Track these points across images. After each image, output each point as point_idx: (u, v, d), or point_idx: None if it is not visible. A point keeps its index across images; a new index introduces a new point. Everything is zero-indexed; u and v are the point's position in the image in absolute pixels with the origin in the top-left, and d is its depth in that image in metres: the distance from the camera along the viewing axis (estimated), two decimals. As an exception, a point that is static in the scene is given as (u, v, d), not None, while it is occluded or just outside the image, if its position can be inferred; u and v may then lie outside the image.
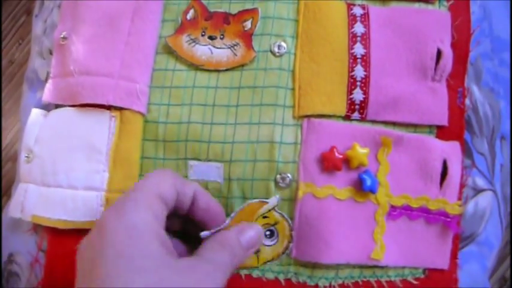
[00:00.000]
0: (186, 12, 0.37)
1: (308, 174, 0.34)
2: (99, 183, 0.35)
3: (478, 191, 0.37)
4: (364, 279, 0.35)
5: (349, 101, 0.35)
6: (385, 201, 0.34)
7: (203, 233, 0.29)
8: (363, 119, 0.35)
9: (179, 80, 0.36)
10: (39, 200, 0.35)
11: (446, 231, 0.35)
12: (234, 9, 0.37)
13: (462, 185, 0.36)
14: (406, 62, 0.36)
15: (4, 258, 0.39)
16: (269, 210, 0.33)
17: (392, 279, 0.35)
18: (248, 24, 0.36)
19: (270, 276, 0.35)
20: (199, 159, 0.35)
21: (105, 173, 0.35)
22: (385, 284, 0.35)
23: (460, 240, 0.36)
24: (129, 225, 0.25)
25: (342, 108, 0.35)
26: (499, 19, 0.39)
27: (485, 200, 0.37)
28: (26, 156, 0.37)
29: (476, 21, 0.38)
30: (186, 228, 0.32)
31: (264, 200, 0.32)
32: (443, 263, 0.35)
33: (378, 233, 0.34)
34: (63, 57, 0.38)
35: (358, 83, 0.35)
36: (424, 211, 0.35)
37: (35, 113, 0.38)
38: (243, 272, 0.35)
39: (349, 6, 0.37)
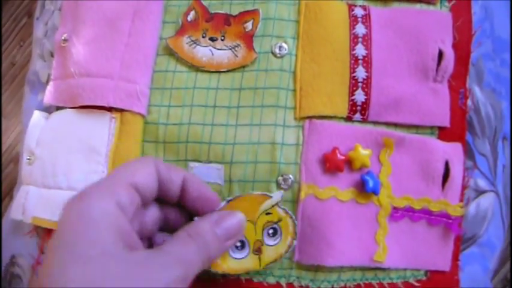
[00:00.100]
0: (186, 13, 0.37)
1: (310, 176, 0.34)
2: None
3: (480, 192, 0.37)
4: (366, 282, 0.35)
5: (350, 102, 0.35)
6: (387, 202, 0.34)
7: (195, 220, 0.28)
8: (364, 120, 0.35)
9: (180, 82, 0.36)
10: (40, 202, 0.35)
11: (448, 233, 0.35)
12: (235, 10, 0.37)
13: (464, 187, 0.36)
14: (408, 62, 0.36)
15: (6, 260, 0.39)
16: (272, 206, 0.32)
17: (394, 281, 0.35)
18: (249, 26, 0.36)
19: (272, 280, 0.34)
20: (199, 161, 0.35)
21: (104, 174, 0.35)
22: (387, 286, 0.35)
23: (461, 242, 0.36)
24: (83, 213, 0.24)
25: (343, 109, 0.35)
26: (500, 19, 0.39)
27: (487, 201, 0.37)
28: (28, 159, 0.37)
29: (478, 22, 0.38)
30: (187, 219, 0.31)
31: (267, 194, 0.32)
32: (444, 264, 0.35)
33: (380, 235, 0.34)
34: (64, 59, 0.38)
35: (360, 84, 0.35)
36: (426, 213, 0.34)
37: (37, 115, 0.38)
38: (244, 276, 0.34)
39: (350, 7, 0.37)
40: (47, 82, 0.40)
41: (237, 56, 0.36)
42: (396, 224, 0.34)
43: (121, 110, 0.36)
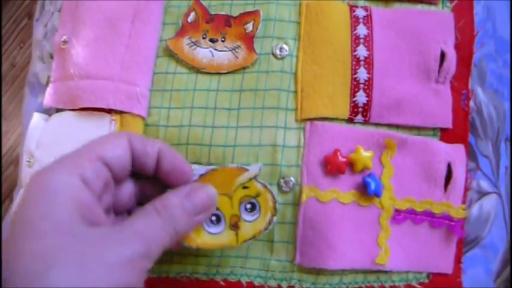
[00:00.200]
0: (187, 15, 0.37)
1: (311, 178, 0.34)
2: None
3: (482, 194, 0.37)
4: (368, 285, 0.34)
5: (352, 104, 0.35)
6: (390, 204, 0.34)
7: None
8: (366, 122, 0.35)
9: (180, 83, 0.36)
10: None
11: (451, 235, 0.34)
12: (235, 11, 0.37)
13: (466, 188, 0.35)
14: (410, 63, 0.35)
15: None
16: (250, 180, 0.30)
17: (397, 284, 0.34)
18: (250, 27, 0.36)
19: (273, 283, 0.34)
20: (200, 163, 0.34)
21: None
22: (389, 288, 0.34)
23: (464, 244, 0.36)
24: (42, 186, 0.23)
25: (344, 111, 0.35)
26: (502, 20, 0.39)
27: (489, 203, 0.37)
28: (28, 161, 0.37)
29: (480, 22, 0.38)
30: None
31: (244, 166, 0.30)
32: (447, 267, 0.35)
33: (383, 238, 0.34)
34: (63, 61, 0.38)
35: (362, 86, 0.35)
36: (428, 215, 0.34)
37: (36, 117, 0.38)
38: (245, 279, 0.34)
39: (352, 8, 0.37)
40: (47, 84, 0.40)
41: (237, 58, 0.36)
42: (398, 226, 0.34)
43: (121, 112, 0.36)
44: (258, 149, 0.34)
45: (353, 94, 0.35)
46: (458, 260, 0.35)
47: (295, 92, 0.35)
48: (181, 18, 0.37)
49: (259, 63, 0.36)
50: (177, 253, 0.34)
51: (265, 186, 0.30)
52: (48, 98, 0.38)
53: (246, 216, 0.30)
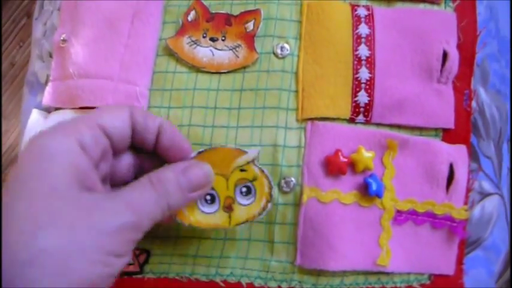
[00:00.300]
0: (187, 13, 0.37)
1: (312, 178, 0.33)
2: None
3: (484, 195, 0.36)
4: (369, 286, 0.34)
5: (353, 104, 0.35)
6: (391, 205, 0.34)
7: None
8: (367, 122, 0.35)
9: (180, 83, 0.36)
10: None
11: (452, 236, 0.34)
12: (236, 10, 0.36)
13: (468, 189, 0.35)
14: (412, 63, 0.35)
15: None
16: (248, 163, 0.30)
17: (398, 285, 0.34)
18: (250, 26, 0.36)
19: (273, 284, 0.34)
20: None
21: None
22: (390, 290, 0.34)
23: (466, 245, 0.35)
24: (40, 148, 0.23)
25: (346, 111, 0.35)
26: (505, 20, 0.39)
27: (491, 204, 0.36)
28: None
29: (483, 22, 0.37)
30: None
31: (243, 149, 0.30)
32: (448, 268, 0.35)
33: (384, 239, 0.33)
34: (63, 60, 0.37)
35: (363, 85, 0.35)
36: (430, 216, 0.34)
37: (35, 114, 0.38)
38: (244, 280, 0.34)
39: (353, 7, 0.37)
40: (46, 83, 0.39)
41: (238, 57, 0.35)
42: (400, 227, 0.34)
43: (120, 112, 0.35)
44: (259, 149, 0.34)
45: (354, 94, 0.35)
46: (460, 262, 0.35)
47: (296, 91, 0.35)
48: (182, 17, 0.37)
49: (260, 63, 0.35)
50: (176, 254, 0.34)
51: (262, 171, 0.30)
52: (47, 97, 0.37)
53: (241, 200, 0.30)
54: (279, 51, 0.35)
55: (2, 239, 0.21)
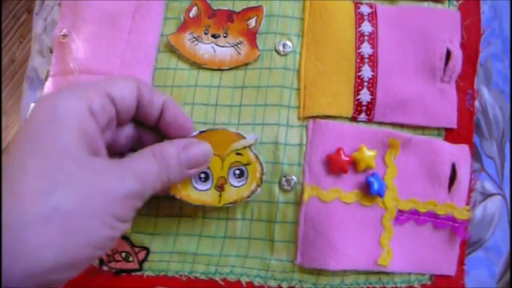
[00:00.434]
0: (189, 9, 0.37)
1: (314, 177, 0.33)
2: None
3: (486, 195, 0.36)
4: (370, 286, 0.34)
5: (355, 102, 0.34)
6: (393, 205, 0.33)
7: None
8: (369, 121, 0.35)
9: (181, 79, 0.35)
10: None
11: (454, 236, 0.34)
12: (238, 7, 0.36)
13: (471, 190, 0.35)
14: (415, 62, 0.35)
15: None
16: (244, 148, 0.31)
17: (398, 285, 0.34)
18: (252, 23, 0.36)
19: (273, 283, 0.34)
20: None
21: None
22: (391, 290, 0.34)
23: (467, 246, 0.35)
24: (51, 109, 0.23)
25: (348, 109, 0.34)
26: (508, 20, 0.38)
27: (494, 204, 0.36)
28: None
29: (487, 21, 0.37)
30: None
31: (242, 134, 0.31)
32: (450, 269, 0.34)
33: (385, 238, 0.33)
34: (63, 55, 0.37)
35: (365, 84, 0.34)
36: (432, 216, 0.34)
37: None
38: (244, 279, 0.34)
39: (357, 4, 0.36)
40: (46, 78, 0.39)
41: (239, 54, 0.35)
42: (401, 227, 0.34)
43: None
44: (260, 147, 0.34)
45: (357, 92, 0.34)
46: (461, 262, 0.35)
47: (298, 89, 0.35)
48: (183, 13, 0.36)
49: (262, 60, 0.35)
50: (176, 251, 0.34)
51: (257, 157, 0.32)
52: (47, 92, 0.37)
53: (233, 181, 0.31)
54: (281, 48, 0.35)
55: (18, 197, 0.21)
